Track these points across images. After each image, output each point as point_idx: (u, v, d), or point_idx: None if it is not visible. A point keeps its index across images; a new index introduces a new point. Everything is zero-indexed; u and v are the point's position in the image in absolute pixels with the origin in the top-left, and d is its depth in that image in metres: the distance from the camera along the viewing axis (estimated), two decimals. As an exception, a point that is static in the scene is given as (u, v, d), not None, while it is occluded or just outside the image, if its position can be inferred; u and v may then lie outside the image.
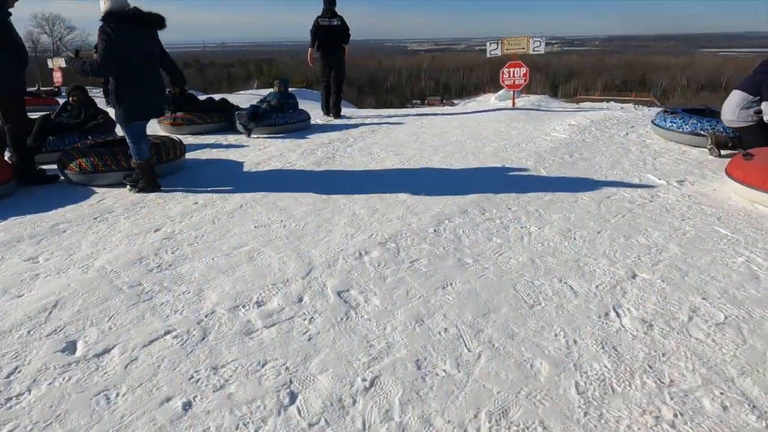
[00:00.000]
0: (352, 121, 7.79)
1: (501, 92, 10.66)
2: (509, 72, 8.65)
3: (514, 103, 8.83)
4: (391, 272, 2.73)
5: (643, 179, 4.29)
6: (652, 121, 5.80)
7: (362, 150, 5.69)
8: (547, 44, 8.58)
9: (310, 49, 7.78)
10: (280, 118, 6.85)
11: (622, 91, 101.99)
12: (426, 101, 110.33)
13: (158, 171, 4.42)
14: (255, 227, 3.43)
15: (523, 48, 8.50)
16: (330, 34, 7.69)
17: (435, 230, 3.28)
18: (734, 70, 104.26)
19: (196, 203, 3.98)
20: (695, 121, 5.27)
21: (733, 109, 4.88)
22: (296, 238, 3.23)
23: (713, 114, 5.71)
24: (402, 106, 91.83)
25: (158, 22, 3.95)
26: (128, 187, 4.30)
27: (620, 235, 3.14)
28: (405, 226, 3.36)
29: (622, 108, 9.11)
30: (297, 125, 6.98)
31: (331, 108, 8.17)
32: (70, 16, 49.80)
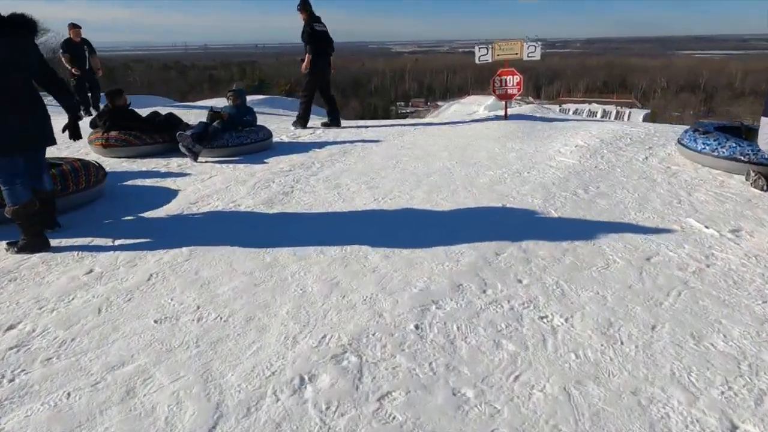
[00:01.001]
0: (324, 137, 6.74)
1: (490, 102, 9.61)
2: (501, 80, 7.68)
3: (506, 114, 7.86)
4: (347, 426, 1.69)
5: (685, 227, 3.32)
6: (679, 141, 4.86)
7: (328, 180, 4.64)
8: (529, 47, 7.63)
9: (309, 56, 7.13)
10: (234, 138, 5.76)
11: (603, 92, 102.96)
12: (410, 103, 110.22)
13: (72, 202, 3.38)
14: (155, 322, 2.35)
15: (517, 53, 7.54)
16: (323, 40, 7.23)
17: (417, 326, 2.25)
18: (710, 71, 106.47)
19: (90, 271, 2.89)
20: (734, 144, 4.34)
21: None
22: (210, 346, 2.16)
23: (749, 132, 4.80)
24: (386, 108, 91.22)
25: (23, 26, 2.86)
26: (5, 245, 3.19)
27: (686, 334, 2.15)
28: (373, 319, 2.32)
29: (628, 119, 8.20)
30: (255, 146, 5.90)
31: (331, 120, 7.71)
32: None
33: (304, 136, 6.92)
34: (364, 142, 6.37)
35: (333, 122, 7.71)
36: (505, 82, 7.67)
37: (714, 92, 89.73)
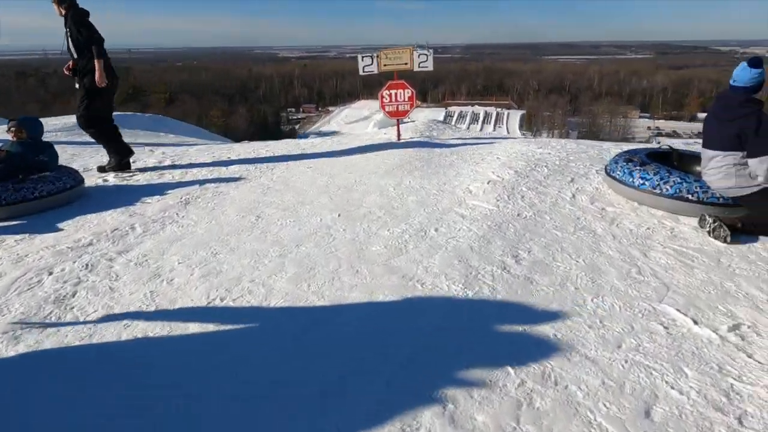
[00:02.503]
0: (168, 176, 5.02)
1: (380, 117, 8.44)
2: (390, 95, 6.51)
3: (399, 136, 6.70)
4: None
5: (666, 322, 2.28)
6: (608, 173, 3.96)
7: (144, 264, 3.02)
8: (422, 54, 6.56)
9: (100, 63, 4.69)
10: (11, 192, 3.86)
11: (484, 95, 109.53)
12: (301, 109, 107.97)
13: None
14: None
15: (406, 63, 6.41)
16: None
17: None
18: (573, 75, 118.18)
19: None
20: (678, 180, 3.49)
21: (726, 172, 3.21)
22: None
23: (682, 159, 4.06)
24: (276, 114, 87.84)
25: None
26: None
27: None
28: None
29: (529, 135, 7.46)
30: (48, 201, 4.04)
31: (117, 162, 5.21)
32: None
33: (140, 175, 5.13)
34: (219, 181, 4.78)
35: (117, 164, 5.18)
36: (396, 96, 6.51)
37: (578, 93, 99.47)
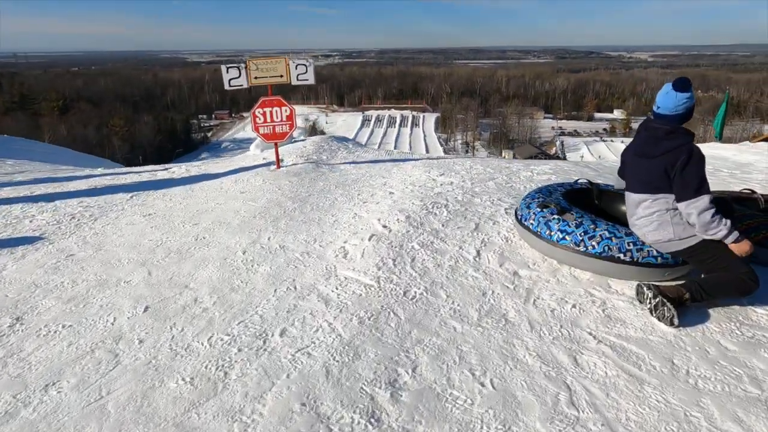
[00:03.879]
0: None
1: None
2: (264, 114, 5.33)
3: (278, 163, 5.53)
4: None
5: None
6: (520, 221, 3.07)
7: None
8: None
9: None
10: None
11: (399, 99, 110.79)
12: (213, 115, 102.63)
13: None
14: None
15: (282, 76, 5.27)
16: None
17: None
18: (483, 78, 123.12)
19: None
20: (606, 233, 2.66)
21: (659, 221, 2.45)
22: None
23: (603, 196, 3.29)
24: (186, 122, 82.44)
25: None
26: None
27: None
28: None
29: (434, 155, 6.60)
30: None
31: None
32: None
33: None
34: None
35: None
36: (271, 115, 5.35)
37: (488, 96, 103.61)
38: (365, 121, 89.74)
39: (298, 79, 5.31)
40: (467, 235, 3.27)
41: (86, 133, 62.65)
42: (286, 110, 5.36)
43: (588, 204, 3.21)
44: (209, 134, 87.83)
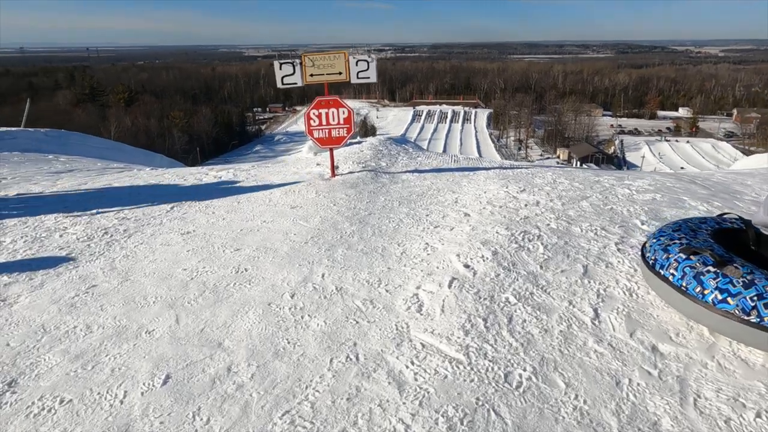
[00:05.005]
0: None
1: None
2: (320, 116, 4.75)
3: (333, 172, 4.95)
4: None
5: None
6: (650, 266, 2.27)
7: None
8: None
9: None
10: None
11: (451, 94, 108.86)
12: (268, 108, 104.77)
13: None
14: None
15: (340, 73, 4.66)
16: None
17: None
18: (538, 74, 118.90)
19: None
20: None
21: None
22: None
23: (762, 240, 2.46)
24: (242, 115, 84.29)
25: None
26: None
27: None
28: None
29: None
30: None
31: None
32: None
33: None
34: (21, 268, 2.92)
35: None
36: (327, 118, 4.76)
37: (543, 92, 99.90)
38: (416, 116, 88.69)
39: (358, 77, 4.67)
40: (576, 284, 2.52)
41: (149, 125, 65.29)
42: (344, 112, 4.75)
43: (738, 247, 2.39)
44: (263, 127, 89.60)
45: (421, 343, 2.08)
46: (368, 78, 4.68)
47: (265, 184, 4.75)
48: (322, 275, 2.72)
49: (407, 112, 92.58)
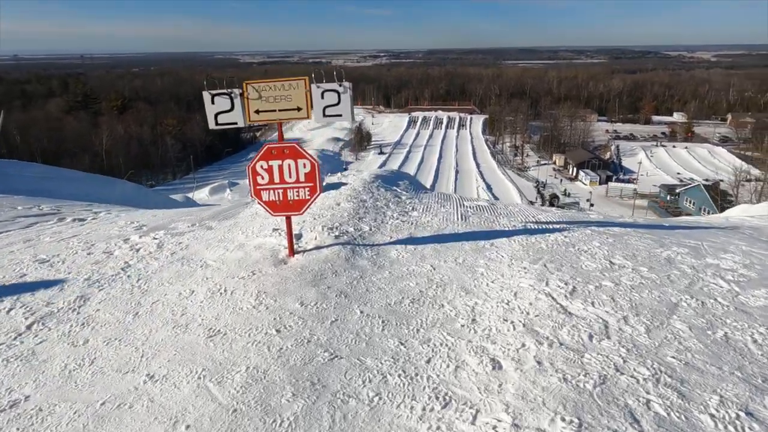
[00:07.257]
0: None
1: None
2: (270, 170, 3.27)
3: (291, 250, 3.42)
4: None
5: None
6: None
7: None
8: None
9: None
10: None
11: (446, 100, 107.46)
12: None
13: None
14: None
15: (299, 108, 3.19)
16: None
17: None
18: (533, 79, 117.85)
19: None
20: None
21: None
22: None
23: None
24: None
25: None
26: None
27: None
28: None
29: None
30: None
31: None
32: None
33: None
34: None
35: None
36: (281, 173, 3.27)
37: (538, 98, 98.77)
38: (411, 123, 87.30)
39: (325, 115, 3.20)
40: None
41: (141, 132, 63.52)
42: (305, 165, 3.27)
43: None
44: (257, 134, 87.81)
45: None
46: (339, 115, 3.21)
47: (190, 270, 3.26)
48: None
49: (403, 119, 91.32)
